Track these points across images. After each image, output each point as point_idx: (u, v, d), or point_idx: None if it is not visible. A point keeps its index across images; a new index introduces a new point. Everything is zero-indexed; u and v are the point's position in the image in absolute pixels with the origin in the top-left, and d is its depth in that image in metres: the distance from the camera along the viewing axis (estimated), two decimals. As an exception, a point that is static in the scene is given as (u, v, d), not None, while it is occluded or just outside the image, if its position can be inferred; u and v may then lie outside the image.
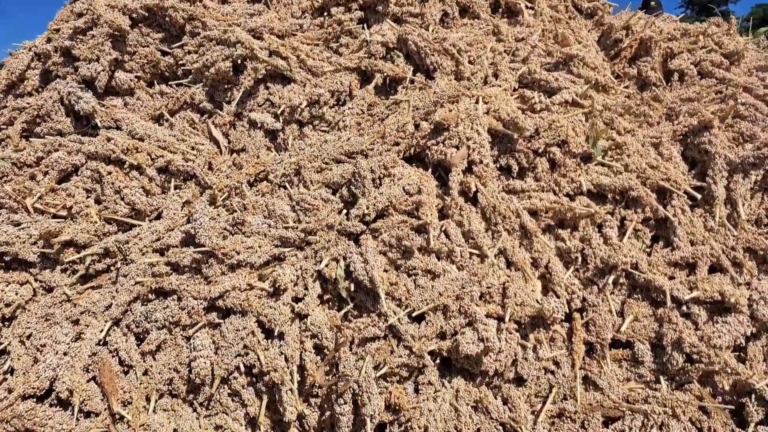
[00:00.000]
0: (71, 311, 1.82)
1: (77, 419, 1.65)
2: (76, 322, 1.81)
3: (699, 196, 1.85)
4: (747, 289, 1.74)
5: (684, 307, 1.74)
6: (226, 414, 1.72)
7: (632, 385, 1.73)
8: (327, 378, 1.68)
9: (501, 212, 1.81)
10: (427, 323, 1.69)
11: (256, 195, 2.02)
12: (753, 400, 1.65)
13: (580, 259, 1.82)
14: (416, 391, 1.69)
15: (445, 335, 1.69)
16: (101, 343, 1.77)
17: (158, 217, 2.03)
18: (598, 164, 1.93)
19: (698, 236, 1.82)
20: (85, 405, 1.66)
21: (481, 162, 1.87)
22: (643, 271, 1.77)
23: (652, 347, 1.75)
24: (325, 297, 1.82)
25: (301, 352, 1.70)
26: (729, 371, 1.66)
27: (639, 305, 1.78)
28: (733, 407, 1.66)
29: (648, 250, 1.87)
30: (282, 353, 1.69)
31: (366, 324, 1.70)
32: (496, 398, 1.71)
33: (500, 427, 1.67)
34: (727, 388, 1.67)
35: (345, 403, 1.64)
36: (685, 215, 1.85)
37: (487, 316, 1.69)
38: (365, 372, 1.63)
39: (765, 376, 1.65)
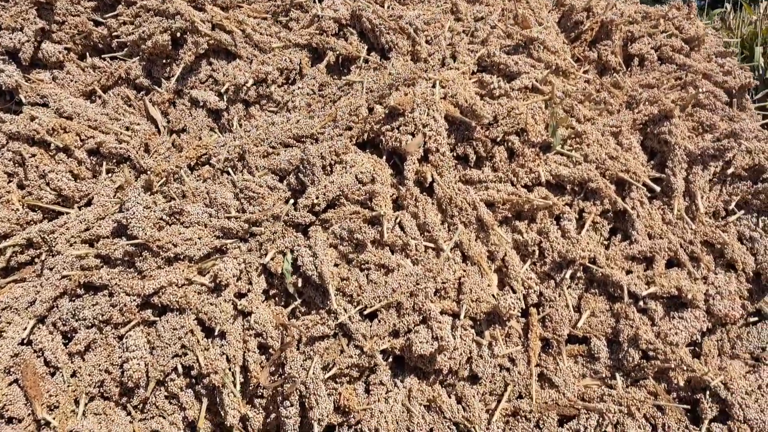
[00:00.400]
0: (-10, 308, 1.66)
1: (-4, 428, 1.50)
2: (-5, 320, 1.66)
3: (658, 189, 1.81)
4: (704, 283, 1.71)
5: (641, 303, 1.71)
6: (163, 417, 1.61)
7: (588, 382, 1.69)
8: (272, 379, 1.58)
9: (457, 204, 1.73)
10: (379, 321, 1.60)
11: (197, 181, 1.88)
12: (707, 397, 1.63)
13: (537, 252, 1.76)
14: (367, 391, 1.60)
15: (398, 333, 1.60)
16: (24, 342, 1.62)
17: (88, 204, 1.87)
18: (557, 154, 1.86)
19: (656, 229, 1.78)
20: (6, 410, 1.52)
21: (438, 150, 1.78)
22: (600, 265, 1.72)
23: (608, 343, 1.71)
24: (271, 292, 1.71)
25: (244, 352, 1.59)
26: (684, 368, 1.63)
27: (596, 300, 1.74)
28: (688, 406, 1.64)
29: (606, 243, 1.82)
30: (223, 353, 1.58)
31: (314, 322, 1.61)
32: (449, 397, 1.64)
33: (454, 427, 1.61)
34: (681, 384, 1.65)
35: (291, 405, 1.55)
36: (643, 208, 1.80)
37: (442, 312, 1.61)
38: (313, 373, 1.54)
39: (720, 373, 1.63)
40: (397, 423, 1.57)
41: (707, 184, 1.81)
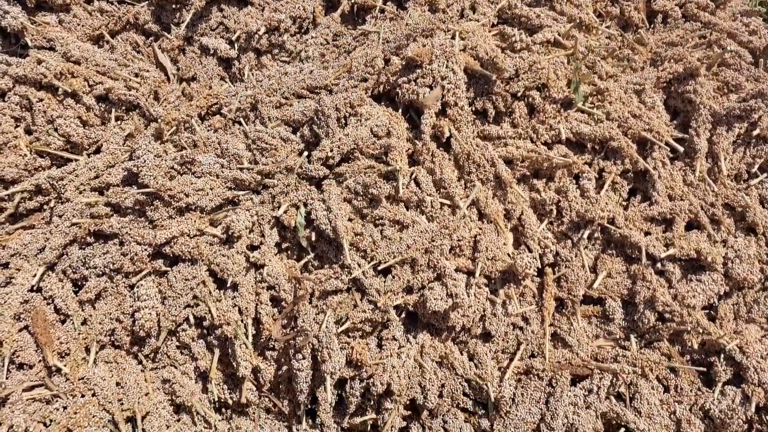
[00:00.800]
0: (0, 254, 1.64)
1: (8, 371, 1.50)
2: (5, 266, 1.63)
3: (681, 149, 1.77)
4: (723, 246, 1.68)
5: (659, 264, 1.68)
6: (175, 367, 1.61)
7: (601, 343, 1.68)
8: (284, 332, 1.57)
9: (475, 160, 1.69)
10: (393, 277, 1.58)
11: (208, 131, 1.83)
12: (722, 360, 1.62)
13: (554, 211, 1.72)
14: (379, 346, 1.59)
15: (411, 289, 1.58)
16: (34, 289, 1.61)
17: (97, 151, 1.83)
18: (578, 111, 1.81)
19: (677, 191, 1.74)
20: (17, 356, 1.51)
21: (456, 104, 1.73)
22: (619, 226, 1.69)
23: (623, 304, 1.69)
24: (284, 246, 1.69)
25: (257, 305, 1.58)
26: (700, 331, 1.62)
27: (613, 261, 1.71)
28: (703, 368, 1.63)
29: (625, 204, 1.79)
30: (236, 305, 1.56)
31: (328, 276, 1.59)
32: (462, 354, 1.63)
33: (465, 384, 1.61)
34: (696, 347, 1.64)
35: (303, 358, 1.54)
36: (665, 168, 1.76)
37: (457, 270, 1.59)
38: (326, 327, 1.53)
39: (735, 336, 1.62)
40: (409, 378, 1.57)
41: (731, 146, 1.77)
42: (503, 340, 1.64)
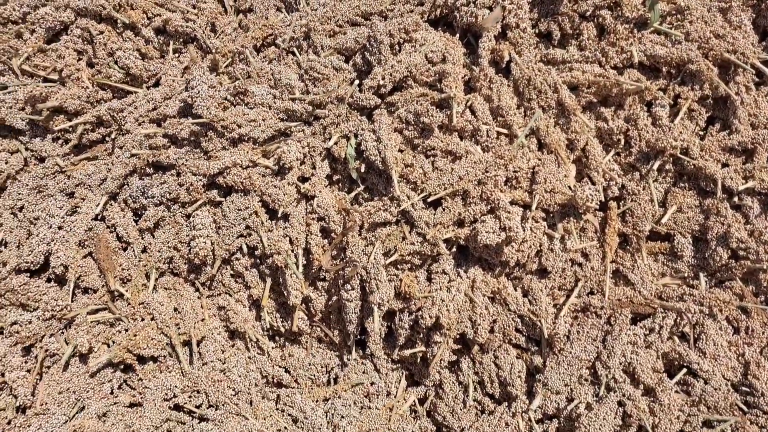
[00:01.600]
0: (65, 183, 1.71)
1: (73, 295, 1.58)
2: (70, 195, 1.71)
3: (769, 72, 1.59)
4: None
5: (735, 199, 1.55)
6: (230, 295, 1.65)
7: (668, 281, 1.58)
8: (334, 263, 1.57)
9: (536, 86, 1.58)
10: (444, 209, 1.53)
11: (263, 62, 1.81)
12: (800, 302, 1.50)
13: (622, 141, 1.60)
14: (429, 279, 1.57)
15: (463, 222, 1.53)
16: (98, 218, 1.67)
17: (156, 84, 1.85)
18: (653, 32, 1.65)
19: (761, 119, 1.58)
20: (82, 281, 1.59)
21: (518, 26, 1.62)
22: (693, 156, 1.56)
23: (694, 241, 1.58)
24: (335, 178, 1.67)
25: (307, 235, 1.58)
26: (779, 270, 1.49)
27: (685, 195, 1.59)
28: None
29: (702, 133, 1.64)
30: (286, 235, 1.57)
31: (377, 208, 1.56)
32: (516, 290, 1.58)
33: (518, 320, 1.56)
34: (773, 287, 1.51)
35: (352, 289, 1.54)
36: (749, 94, 1.59)
37: (512, 203, 1.53)
38: (374, 258, 1.51)
39: (819, 278, 1.48)
40: (459, 312, 1.54)
41: (830, 68, 1.57)
42: (561, 276, 1.58)
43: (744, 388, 1.44)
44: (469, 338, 1.56)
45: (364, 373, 1.64)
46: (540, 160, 1.56)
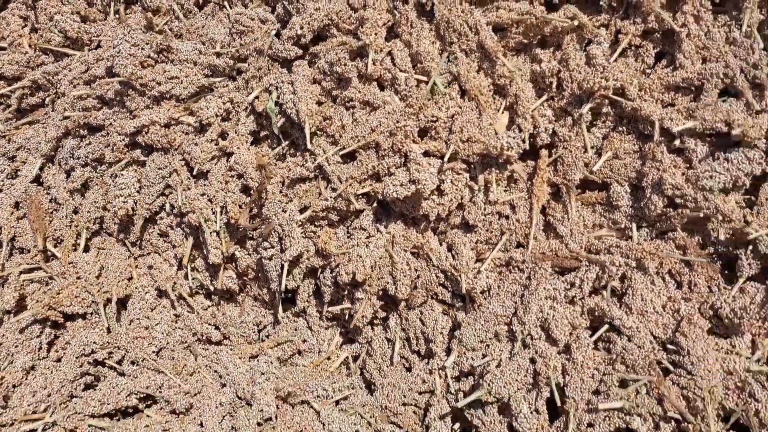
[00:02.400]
0: (6, 147, 1.75)
1: (10, 255, 1.64)
2: (12, 159, 1.75)
3: (719, -3, 1.42)
4: (766, 117, 1.37)
5: (678, 142, 1.41)
6: (158, 254, 1.66)
7: (604, 233, 1.47)
8: (251, 220, 1.55)
9: (455, 28, 1.48)
10: (357, 163, 1.48)
11: (204, 19, 1.78)
12: (748, 252, 1.36)
13: (554, 85, 1.49)
14: (349, 235, 1.53)
15: (379, 176, 1.48)
16: (36, 180, 1.71)
17: (98, 47, 1.86)
18: (592, -40, 1.51)
19: (714, 51, 1.42)
20: (17, 241, 1.64)
21: (439, -36, 1.51)
22: (630, 97, 1.43)
23: (632, 189, 1.46)
24: (262, 134, 1.63)
25: (225, 193, 1.56)
26: (720, 218, 1.36)
27: (622, 140, 1.47)
28: (719, 262, 1.38)
29: (649, 71, 1.50)
30: (204, 193, 1.56)
31: (295, 163, 1.52)
32: (441, 244, 1.52)
33: (441, 275, 1.50)
34: (721, 237, 1.38)
35: (271, 246, 1.52)
36: (699, 24, 1.43)
37: (428, 154, 1.45)
38: (288, 215, 1.48)
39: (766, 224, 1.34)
40: (380, 269, 1.49)
41: (790, -10, 1.39)
42: (487, 230, 1.50)
43: (671, 347, 1.34)
44: (391, 294, 1.51)
45: (295, 330, 1.63)
46: (461, 107, 1.47)
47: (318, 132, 1.51)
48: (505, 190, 1.49)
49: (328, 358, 1.60)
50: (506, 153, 1.42)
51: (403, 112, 1.43)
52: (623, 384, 1.30)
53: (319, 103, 1.54)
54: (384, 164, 1.44)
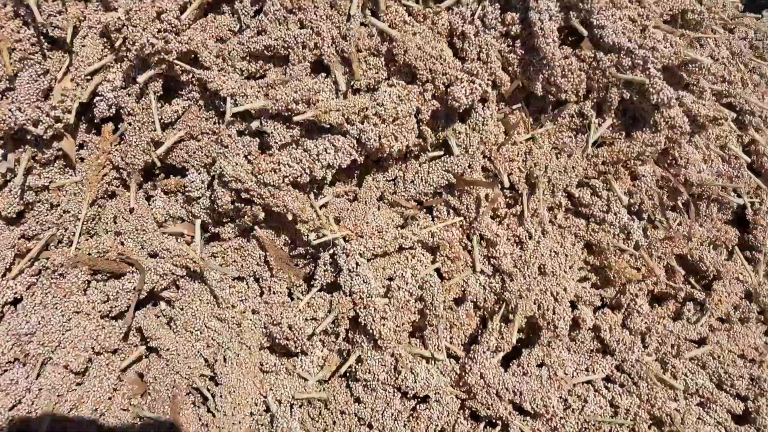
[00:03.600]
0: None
1: None
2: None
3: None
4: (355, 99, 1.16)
5: (257, 122, 1.18)
6: None
7: (180, 229, 1.23)
8: None
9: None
10: None
11: None
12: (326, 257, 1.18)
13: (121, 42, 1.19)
14: None
15: None
16: None
17: None
18: None
19: (308, 16, 1.18)
20: None
21: None
22: (205, 65, 1.16)
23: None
24: None
25: None
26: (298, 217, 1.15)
27: (200, 117, 1.21)
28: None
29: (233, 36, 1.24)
30: None
31: None
32: None
33: None
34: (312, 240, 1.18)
35: None
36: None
37: None
38: None
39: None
40: None
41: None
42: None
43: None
44: None
45: None
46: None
47: None
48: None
49: None
50: (35, 130, 1.10)
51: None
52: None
53: None
54: None
